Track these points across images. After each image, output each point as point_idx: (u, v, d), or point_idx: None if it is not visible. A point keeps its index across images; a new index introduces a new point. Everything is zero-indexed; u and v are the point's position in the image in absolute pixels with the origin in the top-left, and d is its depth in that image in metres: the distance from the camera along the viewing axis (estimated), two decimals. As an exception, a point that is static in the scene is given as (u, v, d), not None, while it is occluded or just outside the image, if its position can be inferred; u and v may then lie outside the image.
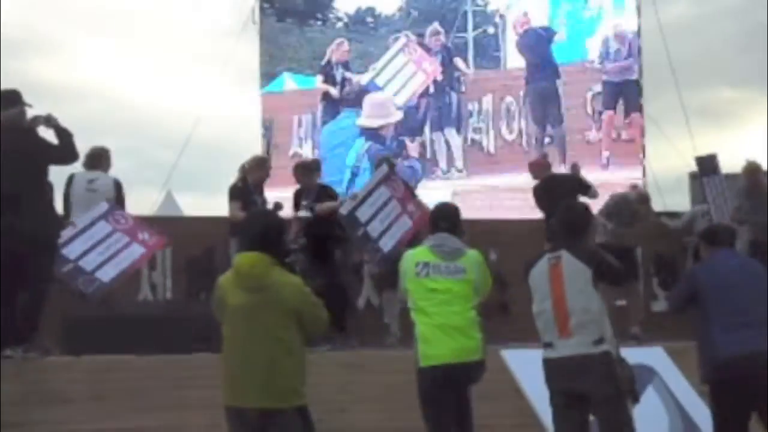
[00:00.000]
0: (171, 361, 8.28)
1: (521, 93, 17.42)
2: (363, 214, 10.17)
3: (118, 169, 10.46)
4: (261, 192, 10.63)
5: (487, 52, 17.86)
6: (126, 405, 7.84)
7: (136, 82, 30.45)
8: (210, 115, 18.06)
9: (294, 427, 5.65)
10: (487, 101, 17.58)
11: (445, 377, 6.65)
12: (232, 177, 10.57)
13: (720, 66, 26.21)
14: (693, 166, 13.80)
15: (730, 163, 12.37)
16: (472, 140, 17.63)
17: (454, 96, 17.83)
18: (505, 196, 16.67)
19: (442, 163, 17.76)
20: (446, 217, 7.05)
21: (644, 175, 16.49)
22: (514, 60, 17.66)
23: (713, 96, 27.90)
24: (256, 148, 17.11)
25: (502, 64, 17.75)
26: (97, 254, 9.46)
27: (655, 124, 17.07)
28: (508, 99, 17.53)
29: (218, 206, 10.20)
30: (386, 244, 10.18)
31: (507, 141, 17.45)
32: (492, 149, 17.59)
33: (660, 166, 16.82)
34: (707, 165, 12.82)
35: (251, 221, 6.04)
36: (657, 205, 16.09)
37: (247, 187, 10.43)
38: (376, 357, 9.09)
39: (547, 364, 6.65)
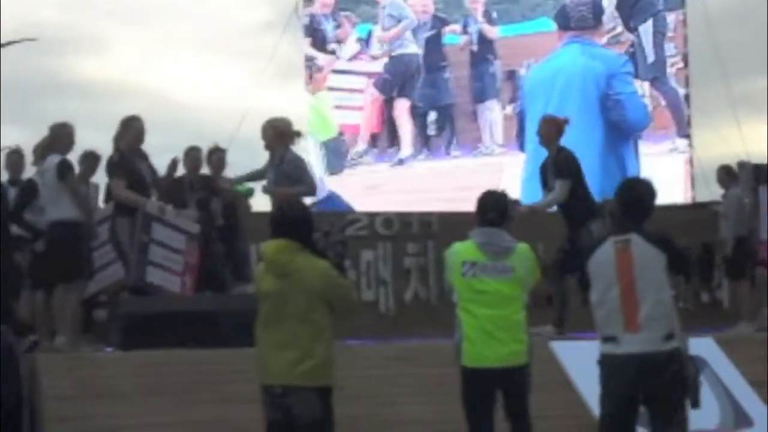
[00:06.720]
0: (220, 355, 8.31)
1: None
2: None
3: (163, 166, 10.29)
4: (143, 157, 9.75)
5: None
6: (174, 399, 7.88)
7: (178, 78, 30.58)
8: (255, 111, 18.08)
9: (313, 406, 5.85)
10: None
11: (487, 380, 6.45)
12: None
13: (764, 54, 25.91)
14: (741, 156, 13.51)
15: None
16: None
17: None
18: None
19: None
20: (495, 207, 6.57)
21: (692, 165, 16.35)
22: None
23: (758, 85, 27.59)
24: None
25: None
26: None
27: (703, 113, 16.91)
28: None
29: (266, 202, 10.10)
30: None
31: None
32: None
33: (706, 155, 16.61)
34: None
35: (278, 211, 6.35)
36: (705, 194, 16.03)
37: (124, 158, 9.56)
38: (426, 350, 9.05)
39: (609, 361, 5.95)
